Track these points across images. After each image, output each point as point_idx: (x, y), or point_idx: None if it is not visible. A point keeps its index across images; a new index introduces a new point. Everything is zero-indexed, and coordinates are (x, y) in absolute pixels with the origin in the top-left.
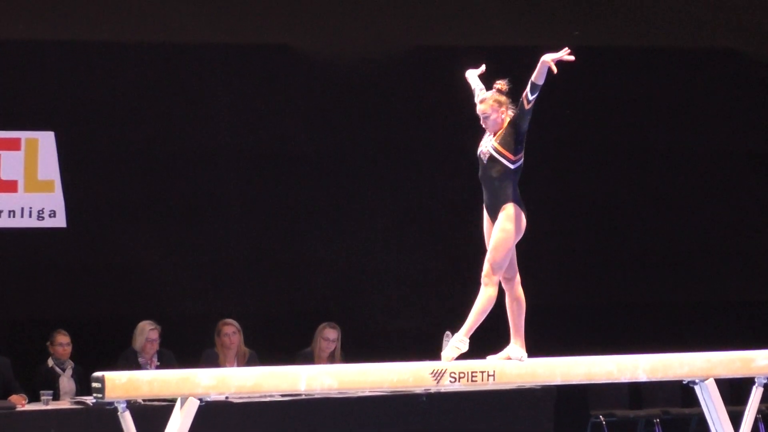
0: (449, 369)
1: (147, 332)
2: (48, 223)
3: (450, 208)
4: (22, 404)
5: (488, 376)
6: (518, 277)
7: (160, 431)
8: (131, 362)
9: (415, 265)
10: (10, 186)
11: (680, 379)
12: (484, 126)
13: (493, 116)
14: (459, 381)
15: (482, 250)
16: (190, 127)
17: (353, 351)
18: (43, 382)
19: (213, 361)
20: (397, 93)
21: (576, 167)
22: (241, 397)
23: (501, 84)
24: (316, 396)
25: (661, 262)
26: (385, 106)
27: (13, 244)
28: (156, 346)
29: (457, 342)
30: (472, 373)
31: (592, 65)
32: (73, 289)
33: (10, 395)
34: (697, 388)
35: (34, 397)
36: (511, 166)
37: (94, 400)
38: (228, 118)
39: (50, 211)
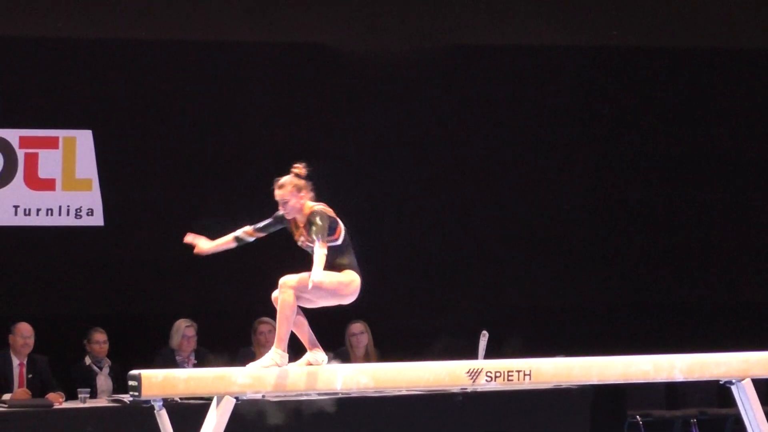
0: (485, 368)
1: (183, 330)
2: (85, 221)
3: (486, 207)
4: (59, 402)
5: (524, 375)
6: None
7: (196, 430)
8: (168, 360)
9: (451, 263)
10: (48, 184)
11: (717, 379)
12: (282, 211)
13: (292, 201)
14: (495, 380)
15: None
16: (227, 125)
17: (389, 350)
18: (80, 380)
19: (249, 360)
20: (433, 91)
21: (614, 167)
22: (277, 396)
23: (299, 168)
24: (352, 395)
25: (698, 262)
26: (421, 104)
27: (50, 243)
28: (193, 344)
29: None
30: (508, 372)
31: (631, 65)
32: (110, 287)
33: (48, 393)
34: (733, 388)
35: (71, 395)
36: (333, 245)
37: (130, 399)
38: (264, 116)
39: (88, 209)
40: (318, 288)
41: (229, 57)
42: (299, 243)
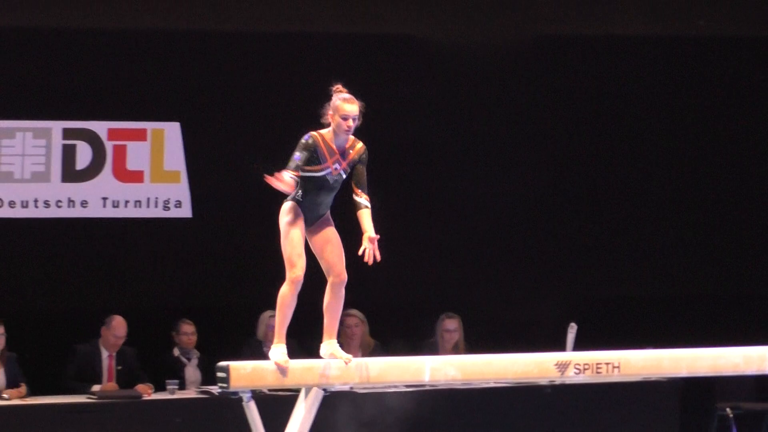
0: (574, 360)
1: (268, 321)
2: (173, 213)
3: (574, 198)
4: (148, 394)
5: (613, 367)
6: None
7: (285, 421)
8: (256, 352)
9: (538, 254)
10: (136, 176)
11: None
12: (347, 129)
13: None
14: (583, 372)
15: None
16: (314, 116)
17: (477, 341)
18: (169, 372)
19: (434, 351)
20: (521, 83)
21: (704, 157)
22: (365, 388)
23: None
24: (439, 387)
25: None
26: (509, 96)
27: (138, 234)
28: None
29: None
30: (596, 364)
31: (718, 55)
32: (198, 279)
33: (136, 384)
34: None
35: (159, 387)
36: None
37: (219, 390)
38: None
39: (176, 201)
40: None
41: (317, 49)
42: (325, 171)
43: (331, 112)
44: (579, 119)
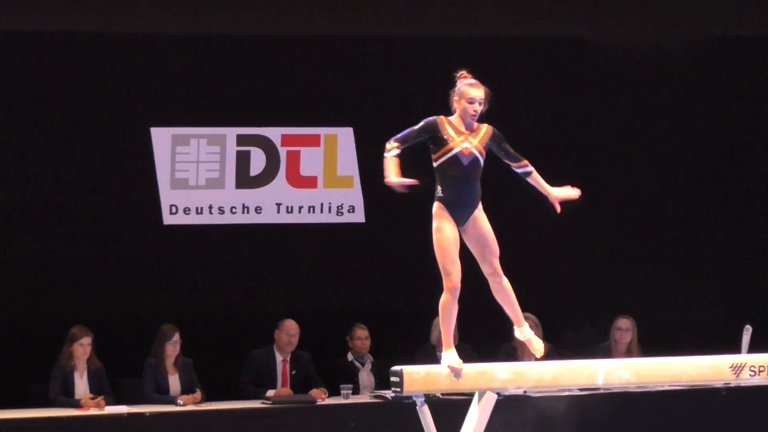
0: (749, 362)
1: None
2: (347, 218)
3: (746, 196)
4: (322, 398)
5: None
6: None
7: (458, 426)
8: (429, 356)
9: (711, 254)
10: (310, 182)
11: None
12: (474, 114)
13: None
14: (759, 375)
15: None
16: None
17: (651, 345)
18: (343, 376)
19: (511, 355)
20: (696, 86)
21: None
22: (538, 391)
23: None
24: (614, 390)
25: None
26: (684, 99)
27: (313, 240)
28: None
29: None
30: None
31: None
32: (371, 284)
33: (311, 389)
34: None
35: (333, 391)
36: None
37: (392, 395)
38: (523, 111)
39: (349, 206)
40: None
41: (486, 52)
42: (454, 150)
43: (456, 97)
44: (745, 119)
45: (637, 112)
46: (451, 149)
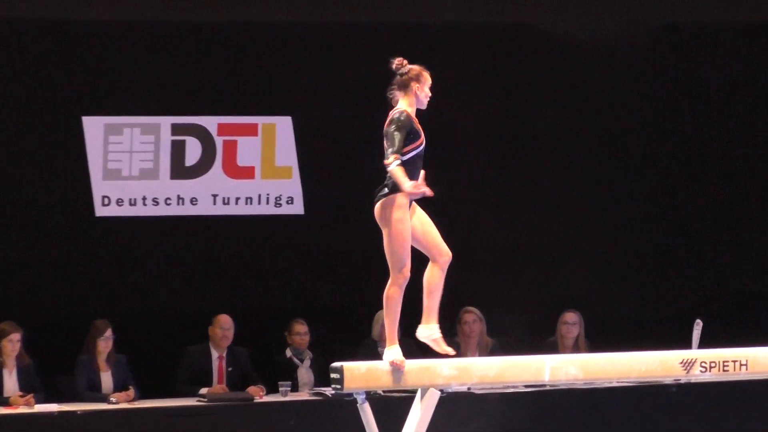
0: (700, 358)
1: (383, 320)
2: (285, 210)
3: (698, 191)
4: (259, 396)
5: (740, 365)
6: None
7: (400, 423)
8: (371, 352)
9: (661, 249)
10: (247, 172)
11: None
12: (427, 98)
13: None
14: (710, 371)
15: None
16: (430, 109)
17: (599, 340)
18: (281, 373)
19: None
20: (649, 73)
21: None
22: (483, 388)
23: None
24: (560, 387)
25: None
26: (635, 87)
27: (250, 232)
28: None
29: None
30: (723, 362)
31: None
32: (310, 277)
33: (248, 386)
34: None
35: (272, 389)
36: None
37: (333, 392)
38: (471, 99)
39: (287, 197)
40: None
41: (432, 38)
42: (423, 144)
43: (415, 83)
44: (704, 111)
45: (586, 100)
46: (422, 142)
